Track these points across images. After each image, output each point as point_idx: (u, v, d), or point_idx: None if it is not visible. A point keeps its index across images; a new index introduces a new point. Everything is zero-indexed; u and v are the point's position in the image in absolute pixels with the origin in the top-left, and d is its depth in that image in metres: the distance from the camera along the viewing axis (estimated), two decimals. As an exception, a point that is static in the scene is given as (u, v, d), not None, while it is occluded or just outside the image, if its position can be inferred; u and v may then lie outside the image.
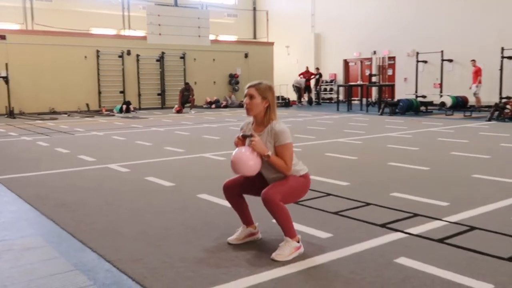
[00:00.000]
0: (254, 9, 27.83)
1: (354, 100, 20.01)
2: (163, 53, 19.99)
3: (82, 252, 3.35)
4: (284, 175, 3.27)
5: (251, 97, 3.26)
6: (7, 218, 4.22)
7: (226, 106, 20.21)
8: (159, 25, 16.90)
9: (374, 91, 20.96)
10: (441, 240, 3.44)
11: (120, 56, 19.15)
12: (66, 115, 16.76)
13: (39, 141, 9.44)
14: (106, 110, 18.01)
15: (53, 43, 17.69)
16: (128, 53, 19.33)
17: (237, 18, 27.17)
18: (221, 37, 25.02)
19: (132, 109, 18.04)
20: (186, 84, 18.35)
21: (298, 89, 22.39)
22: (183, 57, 20.57)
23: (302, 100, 22.58)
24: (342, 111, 17.28)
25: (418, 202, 4.50)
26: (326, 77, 24.24)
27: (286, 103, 21.20)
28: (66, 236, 3.70)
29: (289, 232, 3.22)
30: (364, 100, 18.35)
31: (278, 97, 22.96)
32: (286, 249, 3.17)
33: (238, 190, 3.43)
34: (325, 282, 2.80)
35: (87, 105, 18.42)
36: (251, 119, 3.39)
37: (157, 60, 20.03)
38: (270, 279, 2.84)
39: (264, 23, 26.21)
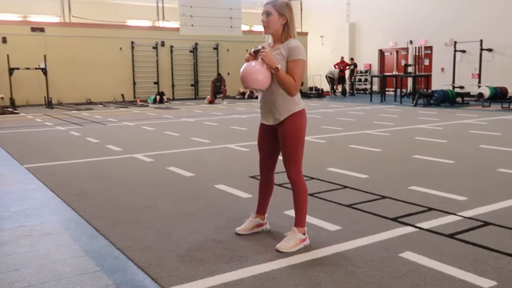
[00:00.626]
0: (289, -1, 27.61)
1: (389, 91, 19.69)
2: (196, 44, 20.17)
3: (95, 239, 3.46)
4: (283, 109, 3.20)
5: (267, 14, 3.18)
6: (30, 205, 4.40)
7: (257, 97, 20.22)
8: (191, 16, 17.06)
9: (410, 81, 20.52)
10: (451, 235, 3.38)
11: (154, 48, 19.44)
12: (101, 105, 17.19)
13: (72, 131, 9.74)
14: (141, 101, 18.38)
15: (90, 35, 18.12)
16: (162, 44, 19.59)
17: (272, 8, 27.00)
18: (255, 28, 24.99)
19: (165, 99, 18.33)
20: (218, 74, 18.47)
21: (332, 80, 22.16)
22: (216, 48, 20.69)
23: (336, 91, 22.34)
24: (375, 102, 17.04)
25: (436, 196, 4.42)
26: (361, 67, 23.89)
27: (319, 94, 21.06)
28: (82, 223, 3.83)
29: (299, 220, 3.25)
30: (399, 91, 18.02)
31: (311, 88, 22.87)
32: (291, 241, 3.19)
33: (269, 161, 3.44)
34: (325, 274, 2.80)
35: (122, 95, 18.82)
36: (270, 41, 3.30)
37: (191, 51, 20.23)
38: (271, 269, 2.87)
39: (298, 13, 25.94)
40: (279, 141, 3.31)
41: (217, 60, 20.79)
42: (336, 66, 22.55)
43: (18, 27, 17.29)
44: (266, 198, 3.53)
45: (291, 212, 3.85)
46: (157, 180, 5.31)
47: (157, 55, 19.52)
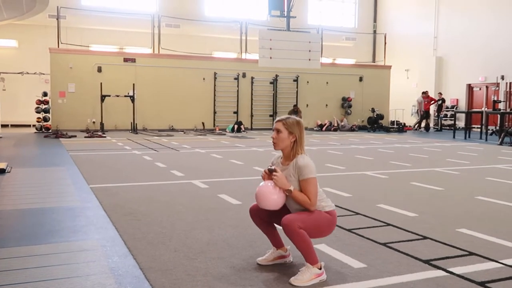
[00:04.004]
0: (374, 32, 27.44)
1: (474, 127, 18.71)
2: (276, 75, 20.57)
3: (124, 258, 3.64)
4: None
5: (278, 131, 3.34)
6: (80, 222, 4.71)
7: (336, 130, 20.10)
8: (271, 49, 17.48)
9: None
10: (482, 283, 3.15)
11: (235, 78, 20.12)
12: (182, 132, 17.97)
13: (145, 155, 10.28)
14: (219, 129, 18.99)
15: (176, 66, 19.19)
16: (244, 75, 20.23)
17: (356, 42, 26.98)
18: (339, 61, 25.02)
19: (243, 129, 18.77)
20: (294, 106, 18.69)
21: (418, 111, 21.31)
22: (296, 80, 20.95)
23: (420, 126, 21.53)
24: (458, 139, 16.24)
25: (483, 241, 4.13)
26: (447, 102, 22.95)
27: (399, 128, 20.46)
28: (119, 242, 4.04)
29: (309, 258, 3.19)
30: (490, 128, 17.09)
31: (392, 122, 22.30)
32: (306, 275, 3.14)
33: (265, 216, 3.48)
34: (331, 312, 2.73)
35: (203, 123, 19.58)
36: (280, 153, 3.45)
37: (271, 83, 20.66)
38: (277, 302, 2.85)
39: (382, 46, 25.62)
40: None
41: (297, 92, 21.02)
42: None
43: (112, 57, 18.74)
44: (271, 232, 3.52)
45: (320, 246, 3.82)
46: (204, 206, 5.45)
47: (238, 86, 20.16)
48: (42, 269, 3.38)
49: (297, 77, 20.91)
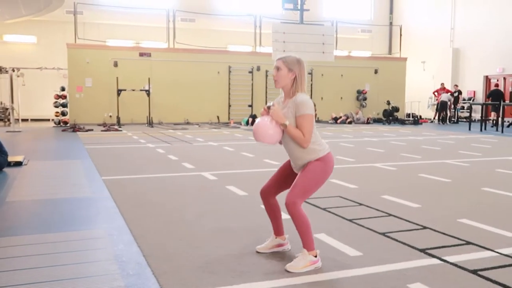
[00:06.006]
0: (391, 24, 27.22)
1: (490, 120, 18.51)
2: (291, 69, 20.54)
3: (129, 246, 3.79)
4: (305, 158, 3.35)
5: (278, 69, 3.38)
6: (91, 212, 4.89)
7: (350, 122, 20.08)
8: (284, 42, 17.52)
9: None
10: (474, 271, 3.22)
11: (250, 72, 20.21)
12: (197, 125, 18.15)
13: (158, 148, 10.47)
14: (234, 122, 19.12)
15: (191, 60, 19.36)
16: (258, 69, 20.31)
17: (372, 34, 26.82)
18: (355, 53, 24.91)
19: (259, 122, 18.84)
20: (309, 99, 18.66)
21: (444, 106, 20.80)
22: (310, 73, 20.95)
23: (437, 118, 21.31)
24: (474, 131, 16.12)
25: (482, 231, 4.19)
26: (464, 94, 22.72)
27: (415, 121, 20.33)
28: (125, 231, 4.19)
29: (307, 244, 3.30)
30: (507, 120, 16.91)
31: (408, 114, 22.16)
32: (301, 262, 3.25)
33: (273, 189, 3.57)
34: (322, 297, 2.84)
35: (218, 117, 19.73)
36: (282, 94, 3.49)
37: (285, 76, 20.66)
38: (271, 286, 2.96)
39: (397, 38, 25.42)
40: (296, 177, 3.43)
41: (311, 85, 21.02)
42: (436, 93, 21.69)
43: (128, 52, 18.99)
44: (276, 219, 3.62)
45: (319, 236, 3.92)
46: (212, 197, 5.59)
47: (252, 79, 20.25)
48: (52, 256, 3.56)
49: (311, 70, 20.91)
